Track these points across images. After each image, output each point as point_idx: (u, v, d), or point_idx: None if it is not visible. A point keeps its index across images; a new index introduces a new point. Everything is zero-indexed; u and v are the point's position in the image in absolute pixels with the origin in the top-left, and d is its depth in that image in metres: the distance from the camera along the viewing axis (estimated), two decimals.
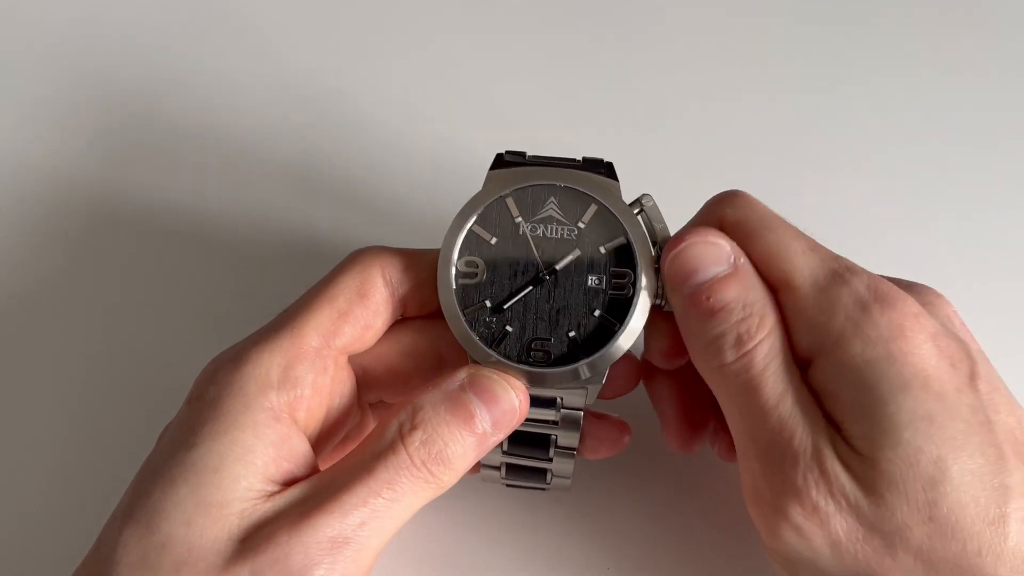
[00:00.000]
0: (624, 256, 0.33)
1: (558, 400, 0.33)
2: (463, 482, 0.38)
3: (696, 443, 0.37)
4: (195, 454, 0.30)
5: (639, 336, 0.33)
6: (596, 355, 0.32)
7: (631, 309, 0.32)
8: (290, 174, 0.47)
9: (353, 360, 0.34)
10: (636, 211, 0.33)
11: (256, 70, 0.50)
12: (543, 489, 0.37)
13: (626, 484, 0.40)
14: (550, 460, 0.35)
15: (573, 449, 0.35)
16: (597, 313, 0.32)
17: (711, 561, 0.38)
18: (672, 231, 0.33)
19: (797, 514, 0.29)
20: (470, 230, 0.33)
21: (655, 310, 0.33)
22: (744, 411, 0.31)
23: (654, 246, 0.33)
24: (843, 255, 0.33)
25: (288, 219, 0.46)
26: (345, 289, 0.32)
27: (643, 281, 0.32)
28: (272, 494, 0.30)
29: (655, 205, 0.33)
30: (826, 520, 0.29)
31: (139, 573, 0.28)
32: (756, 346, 0.30)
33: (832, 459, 0.29)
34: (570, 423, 0.34)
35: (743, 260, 0.32)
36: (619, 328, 0.32)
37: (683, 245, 0.32)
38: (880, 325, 0.30)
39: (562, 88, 0.50)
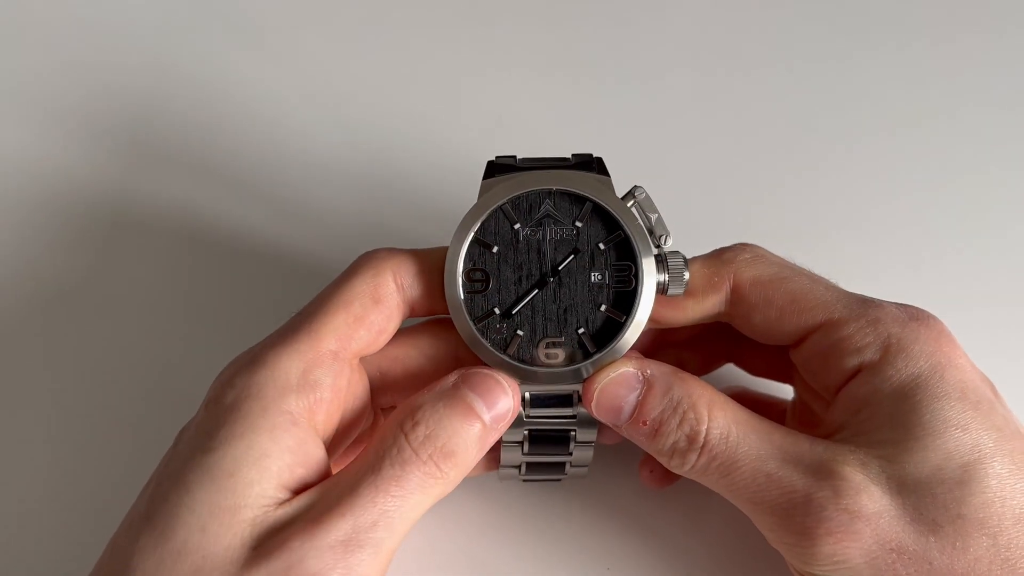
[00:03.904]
0: (624, 249, 0.33)
1: (574, 396, 0.34)
2: (465, 484, 0.39)
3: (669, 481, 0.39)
4: (212, 459, 0.30)
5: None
6: (606, 349, 0.33)
7: (636, 301, 0.33)
8: (296, 177, 0.48)
9: (369, 363, 0.35)
10: (630, 203, 0.34)
11: (264, 72, 0.50)
12: (559, 480, 0.38)
13: (627, 484, 0.40)
14: (570, 454, 0.36)
15: (592, 442, 0.36)
16: (603, 308, 0.33)
17: (712, 561, 0.39)
18: (667, 222, 0.34)
19: (828, 544, 0.30)
20: (471, 242, 0.33)
21: (659, 298, 0.34)
22: (734, 487, 0.32)
23: (651, 235, 0.34)
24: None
25: (299, 223, 0.47)
26: (359, 294, 0.33)
27: (644, 272, 0.33)
28: (284, 502, 0.30)
29: (647, 196, 0.34)
30: (858, 536, 0.30)
31: None
32: (708, 433, 0.32)
33: (848, 471, 0.30)
34: (587, 422, 0.35)
35: (650, 369, 0.33)
36: (626, 320, 0.33)
37: (596, 393, 0.33)
38: (920, 339, 0.31)
39: (559, 88, 0.50)
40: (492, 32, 0.52)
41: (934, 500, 0.30)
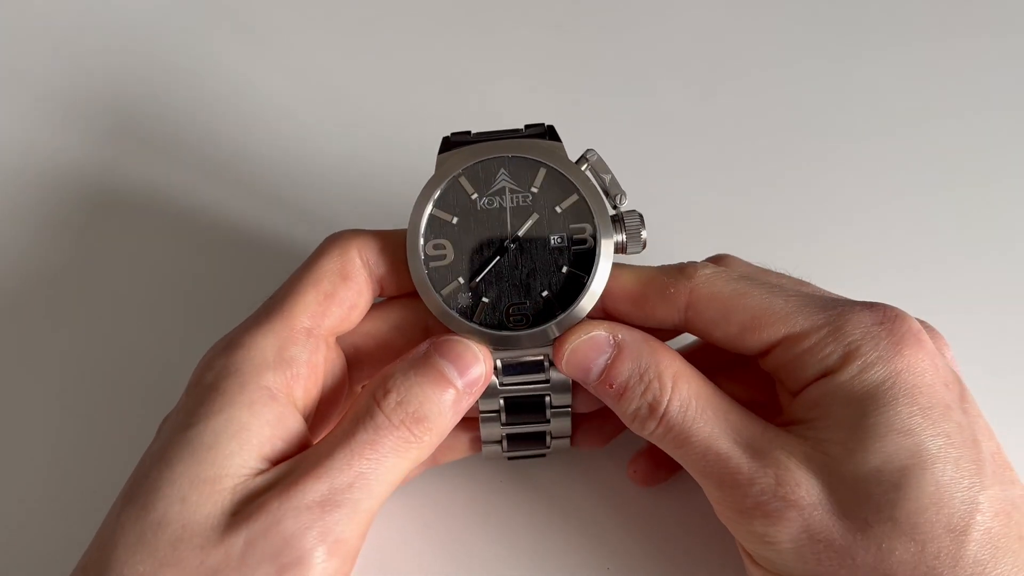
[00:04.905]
0: (580, 211, 0.34)
1: (545, 361, 0.34)
2: (461, 480, 0.40)
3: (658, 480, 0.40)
4: (191, 433, 0.30)
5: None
6: (572, 308, 0.33)
7: (595, 258, 0.34)
8: (299, 177, 0.49)
9: (344, 340, 0.35)
10: (583, 167, 0.34)
11: (265, 73, 0.52)
12: (543, 455, 0.38)
13: (627, 484, 0.40)
14: (548, 421, 0.36)
15: (568, 407, 0.36)
16: (565, 269, 0.34)
17: (712, 561, 0.39)
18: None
19: (760, 525, 0.31)
20: (430, 215, 0.34)
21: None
22: (686, 458, 0.33)
23: (607, 196, 0.34)
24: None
25: (300, 222, 0.47)
26: (328, 272, 0.34)
27: (601, 232, 0.34)
28: (262, 471, 0.31)
29: (600, 158, 0.34)
30: (789, 523, 0.30)
31: (137, 552, 0.29)
32: (668, 405, 0.32)
33: (793, 463, 0.31)
34: (561, 386, 0.35)
35: (622, 334, 0.33)
36: (588, 278, 0.33)
37: (567, 351, 0.33)
38: (881, 345, 0.31)
39: (561, 88, 0.51)
40: (494, 34, 0.53)
41: (869, 500, 0.30)
